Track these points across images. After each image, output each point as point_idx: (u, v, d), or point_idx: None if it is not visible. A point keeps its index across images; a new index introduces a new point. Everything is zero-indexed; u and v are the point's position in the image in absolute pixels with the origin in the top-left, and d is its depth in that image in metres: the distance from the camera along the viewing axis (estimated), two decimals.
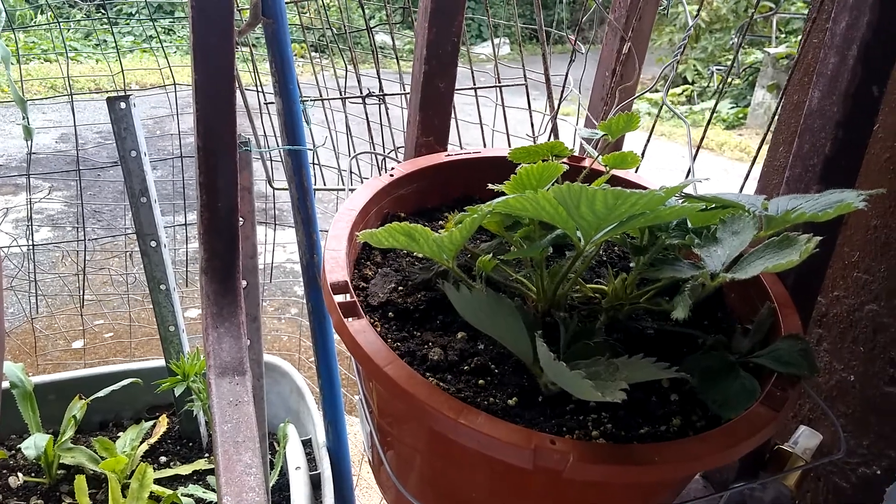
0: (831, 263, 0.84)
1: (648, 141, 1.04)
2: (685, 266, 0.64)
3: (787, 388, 0.62)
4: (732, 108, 8.42)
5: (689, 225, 0.69)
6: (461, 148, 1.56)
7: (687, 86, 8.97)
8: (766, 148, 0.98)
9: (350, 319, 0.64)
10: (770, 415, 0.59)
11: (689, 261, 0.66)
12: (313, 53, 1.86)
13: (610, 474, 0.54)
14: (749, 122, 8.09)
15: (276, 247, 2.52)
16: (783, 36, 8.54)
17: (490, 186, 0.74)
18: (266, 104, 1.68)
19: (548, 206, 0.57)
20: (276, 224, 2.31)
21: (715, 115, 8.00)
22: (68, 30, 8.02)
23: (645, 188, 0.87)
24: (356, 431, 2.41)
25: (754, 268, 0.55)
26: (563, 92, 1.16)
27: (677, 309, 0.58)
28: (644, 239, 0.70)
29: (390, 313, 0.72)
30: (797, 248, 0.54)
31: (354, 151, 1.71)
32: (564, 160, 0.86)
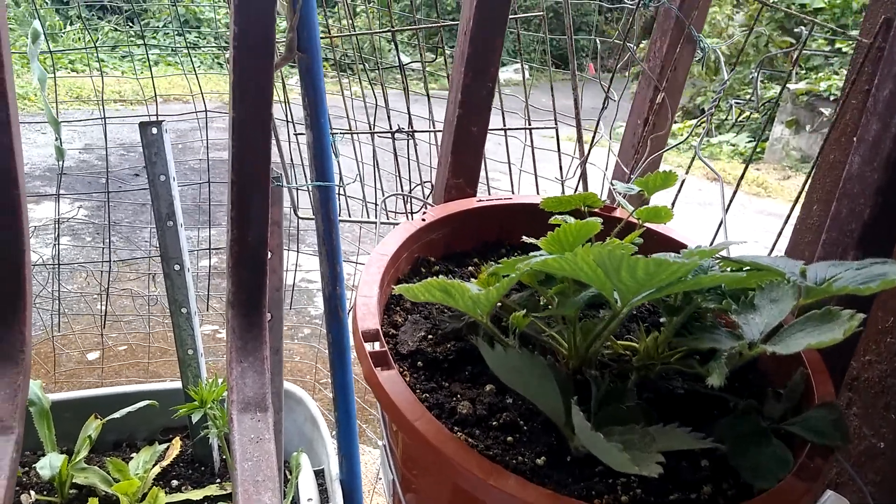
0: (865, 328, 0.83)
1: (678, 193, 1.04)
2: (723, 335, 0.63)
3: (819, 458, 0.61)
4: (750, 141, 8.40)
5: (724, 288, 0.68)
6: (489, 187, 1.56)
7: (704, 122, 8.94)
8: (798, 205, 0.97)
9: (380, 369, 0.64)
10: (804, 487, 0.58)
11: (724, 326, 0.66)
12: (342, 82, 1.87)
13: None
14: (767, 157, 8.07)
15: (292, 268, 2.52)
16: (803, 72, 8.54)
17: (525, 239, 0.74)
18: (296, 134, 1.69)
19: (587, 269, 0.57)
20: (297, 249, 2.32)
21: (733, 147, 8.00)
22: (96, 41, 8.11)
23: (679, 243, 0.86)
24: (367, 461, 2.40)
25: (796, 342, 0.55)
26: (593, 137, 1.16)
27: (713, 376, 0.57)
28: (678, 299, 0.69)
29: (419, 362, 0.72)
30: (840, 324, 0.53)
31: (381, 183, 1.71)
32: (597, 210, 0.86)
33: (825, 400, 0.67)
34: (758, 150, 8.26)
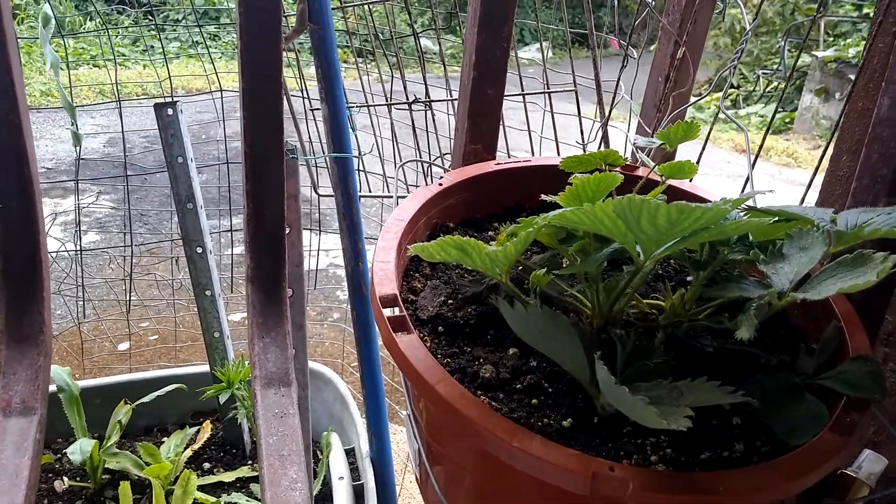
0: None
1: (704, 149, 1.01)
2: (751, 284, 0.61)
3: (855, 412, 0.58)
4: (779, 112, 8.27)
5: (752, 239, 0.66)
6: (508, 155, 1.53)
7: (732, 90, 8.83)
8: (827, 157, 0.94)
9: (400, 334, 0.63)
10: (840, 441, 0.56)
11: (753, 278, 0.63)
12: (358, 59, 1.85)
13: None
14: (796, 127, 7.95)
15: (320, 252, 2.52)
16: (831, 39, 8.37)
17: (543, 197, 0.72)
18: (312, 110, 1.68)
19: (606, 220, 0.55)
20: (320, 229, 2.31)
21: (761, 118, 7.88)
22: (116, 35, 8.17)
23: (703, 199, 0.84)
24: (398, 440, 2.40)
25: (827, 288, 0.52)
26: (614, 98, 1.13)
27: (742, 329, 0.55)
28: (704, 253, 0.67)
29: (440, 328, 0.70)
30: (873, 267, 0.51)
31: (400, 157, 1.70)
32: (618, 169, 0.84)
33: (860, 353, 0.64)
34: (787, 120, 8.14)
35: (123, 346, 2.96)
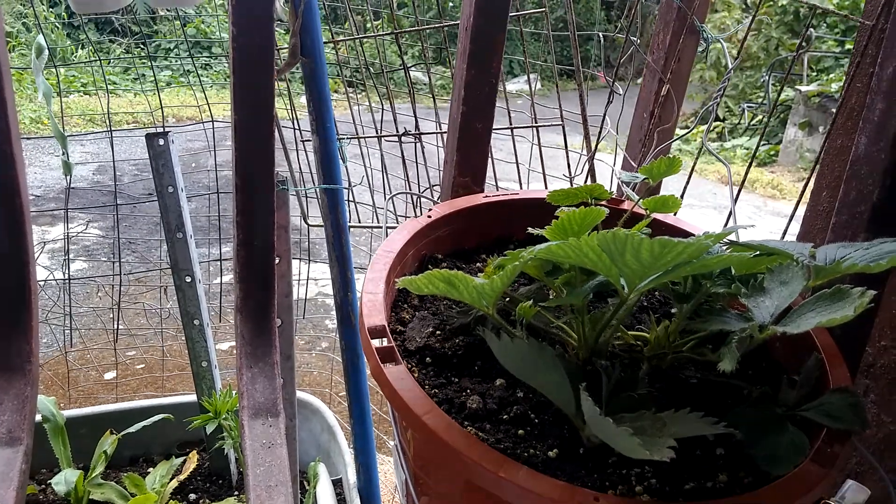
0: (879, 312, 0.82)
1: (688, 181, 1.03)
2: (733, 317, 0.62)
3: (837, 443, 0.59)
4: (764, 145, 8.36)
5: (734, 273, 0.67)
6: (496, 187, 1.55)
7: (718, 123, 8.93)
8: (808, 190, 0.96)
9: (388, 365, 0.63)
10: (821, 472, 0.57)
11: (735, 311, 0.65)
12: (349, 90, 1.87)
13: None
14: (781, 159, 8.04)
15: (309, 281, 2.52)
16: (814, 74, 8.50)
17: (530, 230, 0.74)
18: (303, 140, 1.69)
19: (591, 254, 0.56)
20: (309, 258, 2.32)
21: (746, 151, 7.96)
22: (108, 64, 8.20)
23: (687, 232, 0.85)
24: (385, 470, 2.39)
25: (807, 321, 0.54)
26: (600, 132, 1.15)
27: (724, 361, 0.56)
28: (687, 286, 0.68)
29: (428, 358, 0.71)
30: (850, 302, 0.52)
31: (389, 188, 1.71)
32: (604, 203, 0.85)
33: (841, 385, 0.66)
34: (772, 153, 8.23)
35: (110, 375, 2.94)
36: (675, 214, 0.91)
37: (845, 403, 0.62)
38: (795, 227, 1.01)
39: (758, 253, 0.64)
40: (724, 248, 0.65)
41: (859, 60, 0.85)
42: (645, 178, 0.80)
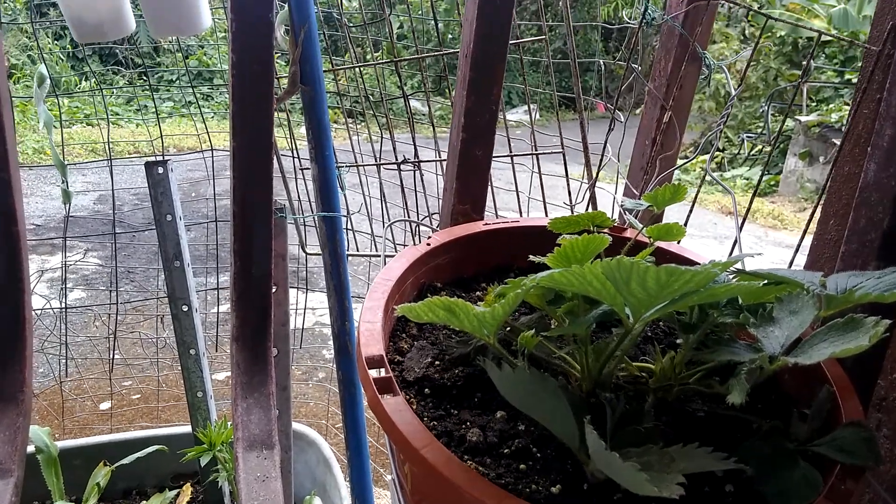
0: (890, 343, 0.80)
1: (691, 211, 1.02)
2: (741, 348, 0.60)
3: (850, 480, 0.57)
4: (765, 174, 8.39)
5: (741, 302, 0.65)
6: (496, 215, 1.54)
7: (718, 153, 8.97)
8: (814, 219, 0.95)
9: (385, 396, 0.61)
10: None
11: (744, 341, 0.63)
12: (348, 119, 1.87)
13: None
14: (781, 190, 8.05)
15: (306, 310, 2.50)
16: (814, 104, 8.55)
17: (531, 258, 0.72)
18: (301, 169, 1.68)
19: (595, 282, 0.54)
20: (307, 287, 2.30)
21: (746, 181, 7.98)
22: (111, 95, 8.25)
23: (692, 261, 0.84)
24: None
25: (819, 352, 0.52)
26: (601, 160, 1.14)
27: (733, 393, 0.54)
28: (693, 316, 0.67)
29: (427, 389, 0.69)
30: (865, 331, 0.51)
31: (388, 217, 1.70)
32: (606, 231, 0.84)
33: (853, 419, 0.64)
34: (772, 183, 8.25)
35: (105, 406, 2.91)
36: (678, 243, 0.90)
37: (858, 438, 0.60)
38: (800, 259, 1.00)
39: (766, 282, 0.63)
40: (732, 276, 0.64)
41: (866, 86, 0.84)
42: (649, 206, 0.79)
